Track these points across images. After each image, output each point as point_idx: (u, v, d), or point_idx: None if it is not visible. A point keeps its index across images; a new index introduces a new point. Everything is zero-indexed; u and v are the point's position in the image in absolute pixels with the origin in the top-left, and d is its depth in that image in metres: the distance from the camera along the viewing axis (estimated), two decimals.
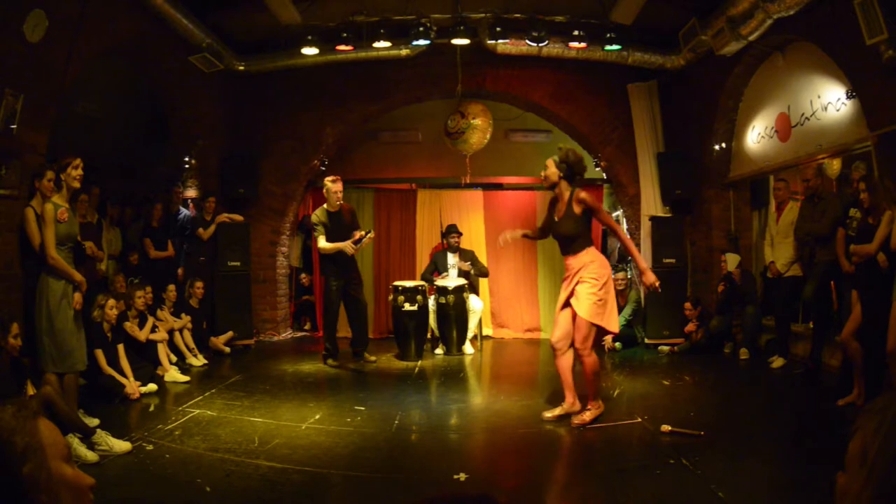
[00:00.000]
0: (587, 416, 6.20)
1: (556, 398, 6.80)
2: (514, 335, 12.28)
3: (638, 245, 11.67)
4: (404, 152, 13.99)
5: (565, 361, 6.36)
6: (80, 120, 9.81)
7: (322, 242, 9.15)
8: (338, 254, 9.16)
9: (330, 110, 11.95)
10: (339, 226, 9.20)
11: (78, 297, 6.06)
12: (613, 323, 6.34)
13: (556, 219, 6.43)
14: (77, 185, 6.17)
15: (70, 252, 6.12)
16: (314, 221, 9.31)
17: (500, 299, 12.41)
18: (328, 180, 9.26)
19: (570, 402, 6.43)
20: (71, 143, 6.48)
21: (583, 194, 6.23)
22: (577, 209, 6.21)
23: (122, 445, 5.35)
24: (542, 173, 6.45)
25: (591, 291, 6.10)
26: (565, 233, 6.33)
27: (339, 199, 9.24)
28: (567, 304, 6.30)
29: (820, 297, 8.26)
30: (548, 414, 6.45)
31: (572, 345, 6.28)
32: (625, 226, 12.79)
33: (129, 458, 5.24)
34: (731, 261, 9.88)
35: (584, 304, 6.09)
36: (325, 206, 9.35)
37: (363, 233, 9.22)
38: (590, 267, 6.19)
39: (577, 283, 6.21)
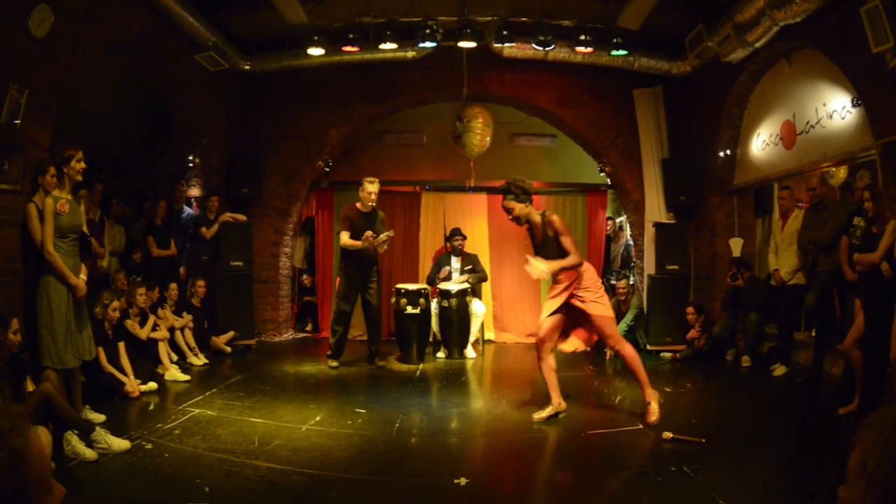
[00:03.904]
0: (654, 411, 6.39)
1: (548, 401, 6.84)
2: (516, 340, 12.26)
3: (641, 251, 11.68)
4: (409, 154, 14.01)
5: (547, 364, 6.66)
6: (84, 116, 9.79)
7: (345, 238, 9.09)
8: (359, 256, 9.15)
9: (335, 111, 11.95)
10: (367, 227, 9.10)
11: (82, 286, 6.05)
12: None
13: (538, 244, 6.66)
14: (79, 178, 6.16)
15: (74, 244, 6.11)
16: (343, 216, 9.33)
17: (502, 303, 12.41)
18: (366, 180, 9.26)
19: (557, 402, 6.65)
20: (74, 139, 6.45)
21: (553, 217, 6.49)
22: (549, 232, 6.47)
23: (120, 444, 5.34)
24: (512, 216, 6.59)
25: (598, 295, 6.49)
26: (549, 252, 6.52)
27: (372, 202, 9.23)
28: (557, 311, 6.56)
29: (822, 306, 8.26)
30: (537, 416, 6.59)
31: (585, 345, 6.71)
32: (628, 232, 12.80)
33: (128, 456, 5.24)
34: (735, 245, 9.88)
35: (596, 305, 6.44)
36: (357, 204, 9.35)
37: (386, 234, 9.20)
38: (584, 275, 6.50)
39: (575, 293, 6.48)
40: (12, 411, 1.50)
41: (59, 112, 6.98)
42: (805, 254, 8.69)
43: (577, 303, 6.43)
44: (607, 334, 6.47)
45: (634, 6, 9.28)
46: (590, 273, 6.55)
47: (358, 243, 8.97)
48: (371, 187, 9.18)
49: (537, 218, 6.53)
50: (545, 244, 6.51)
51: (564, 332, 6.68)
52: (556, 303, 6.52)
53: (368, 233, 8.95)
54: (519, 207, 6.49)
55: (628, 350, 6.50)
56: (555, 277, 6.52)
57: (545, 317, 6.61)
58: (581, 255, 6.46)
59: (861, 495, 1.30)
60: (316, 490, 4.77)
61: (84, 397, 6.28)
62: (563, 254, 6.38)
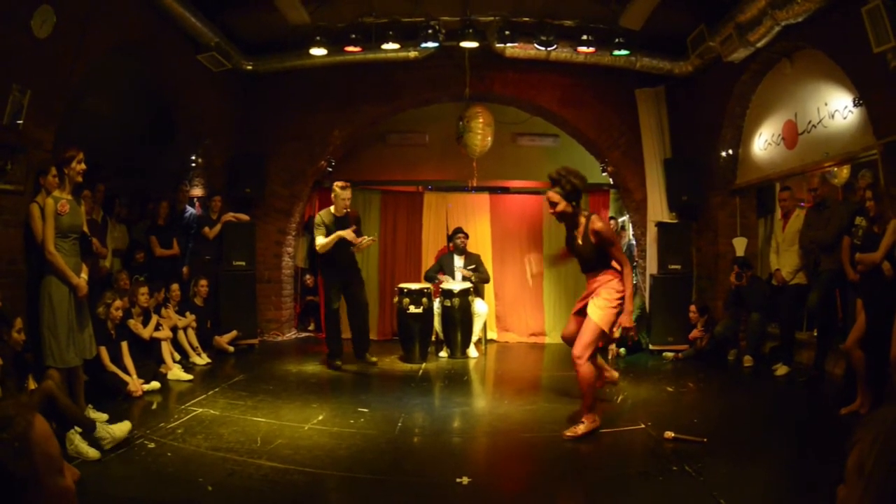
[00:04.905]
0: (580, 428, 6.02)
1: (563, 400, 6.86)
2: (518, 339, 12.28)
3: (644, 251, 11.67)
4: (412, 155, 14.00)
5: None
6: (86, 117, 9.79)
7: (320, 240, 9.09)
8: (337, 255, 9.17)
9: (338, 111, 11.96)
10: (343, 230, 9.16)
11: (83, 285, 6.06)
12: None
13: (577, 241, 6.23)
14: (80, 179, 6.18)
15: (75, 244, 6.12)
16: (317, 222, 9.28)
17: (505, 303, 12.41)
18: (337, 186, 9.26)
19: (608, 374, 6.83)
20: (77, 139, 6.48)
21: (598, 225, 6.05)
22: (593, 239, 6.06)
23: (121, 428, 5.39)
24: (555, 211, 6.16)
25: (609, 298, 6.06)
26: (586, 256, 6.22)
27: (346, 207, 9.26)
28: (581, 311, 6.33)
29: (824, 306, 8.26)
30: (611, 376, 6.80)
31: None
32: (630, 232, 12.78)
33: (131, 455, 5.25)
34: (739, 245, 9.88)
35: (598, 310, 6.04)
36: (331, 209, 9.34)
37: (366, 236, 9.25)
38: (611, 283, 6.11)
39: (595, 295, 6.18)
40: (18, 400, 1.54)
41: (62, 113, 7.00)
42: (807, 254, 8.69)
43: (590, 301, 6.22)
44: (581, 340, 6.03)
45: (636, 6, 9.29)
46: (618, 283, 6.12)
47: (332, 237, 9.01)
48: (344, 193, 9.19)
49: (581, 218, 6.16)
50: (585, 246, 6.15)
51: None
52: (581, 305, 6.42)
53: (358, 241, 9.13)
54: (564, 205, 6.09)
55: (587, 370, 6.03)
56: (590, 281, 6.30)
57: (571, 317, 6.59)
58: (629, 264, 6.27)
59: (859, 495, 1.31)
60: (318, 489, 4.79)
61: (87, 397, 6.29)
62: (602, 256, 6.12)
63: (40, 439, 1.48)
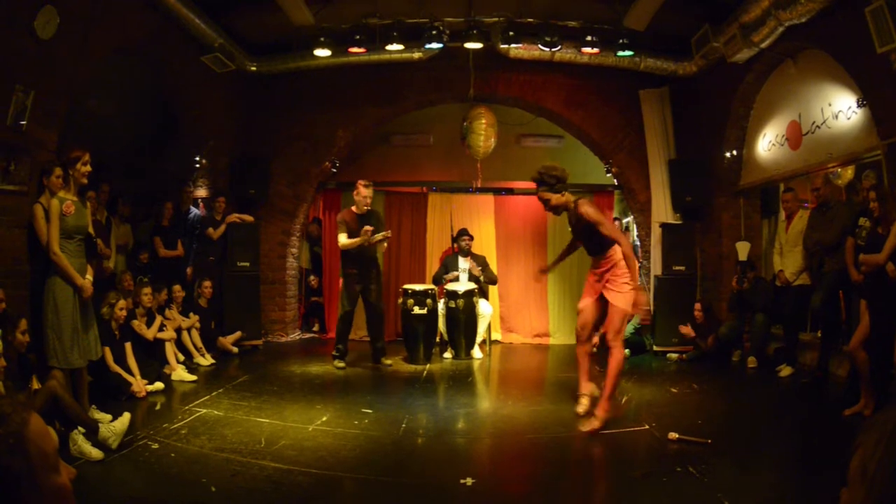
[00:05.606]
0: (597, 422, 6.15)
1: (568, 402, 6.92)
2: (522, 340, 12.26)
3: (648, 252, 11.65)
4: (416, 156, 14.01)
5: (585, 348, 6.69)
6: (90, 118, 9.79)
7: (343, 239, 9.13)
8: (359, 256, 9.17)
9: (342, 112, 11.96)
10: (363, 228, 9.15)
11: (88, 287, 6.07)
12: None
13: (574, 225, 6.57)
14: (85, 181, 6.17)
15: (80, 244, 6.12)
16: (339, 220, 9.37)
17: (509, 304, 12.40)
18: (361, 184, 9.32)
19: (587, 387, 6.74)
20: (81, 140, 6.49)
21: (582, 209, 6.36)
22: (584, 222, 6.35)
23: (122, 421, 5.42)
24: (549, 206, 6.50)
25: (624, 281, 6.30)
26: (583, 238, 6.56)
27: (367, 205, 9.30)
28: (594, 297, 6.53)
29: (828, 307, 8.23)
30: (580, 409, 6.67)
31: (602, 335, 6.61)
32: (635, 232, 12.76)
33: (135, 456, 5.25)
34: (742, 249, 9.87)
35: (618, 295, 6.30)
36: (352, 207, 9.39)
37: (383, 234, 9.20)
38: (620, 263, 6.34)
39: (608, 280, 6.39)
40: (15, 399, 1.55)
41: (65, 114, 7.00)
42: (810, 255, 8.65)
43: (604, 288, 6.40)
44: (612, 328, 6.33)
45: (640, 7, 9.28)
46: (627, 262, 6.36)
47: (356, 240, 9.01)
48: (365, 191, 9.26)
49: (570, 203, 6.43)
50: (581, 231, 6.48)
51: (598, 323, 6.63)
52: (589, 288, 6.58)
53: (367, 227, 8.99)
54: (555, 197, 6.38)
55: (620, 355, 6.35)
56: (597, 262, 6.51)
57: (582, 300, 6.68)
58: (628, 239, 6.38)
59: (862, 498, 1.31)
60: (322, 490, 4.77)
61: (91, 397, 6.30)
62: (602, 240, 6.35)
63: (35, 436, 1.48)
